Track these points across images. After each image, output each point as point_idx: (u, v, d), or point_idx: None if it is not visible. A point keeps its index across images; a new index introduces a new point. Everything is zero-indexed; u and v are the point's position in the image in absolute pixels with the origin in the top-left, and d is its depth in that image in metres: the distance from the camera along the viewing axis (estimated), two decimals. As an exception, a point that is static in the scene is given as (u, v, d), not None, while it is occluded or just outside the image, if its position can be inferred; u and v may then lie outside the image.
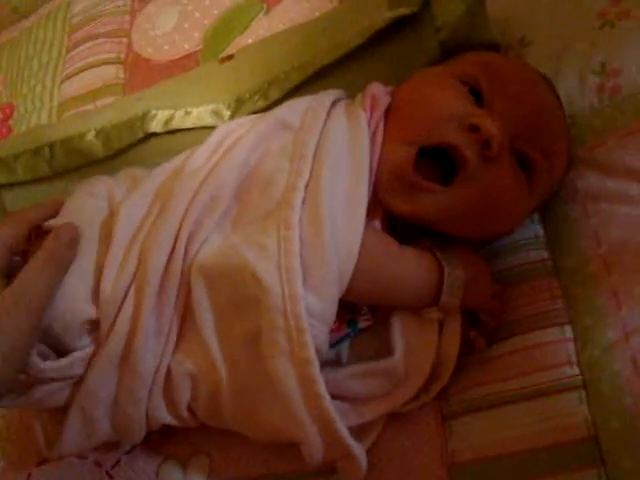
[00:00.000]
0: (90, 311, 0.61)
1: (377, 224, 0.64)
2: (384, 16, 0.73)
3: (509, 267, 0.67)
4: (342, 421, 0.59)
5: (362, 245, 0.59)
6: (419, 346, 0.64)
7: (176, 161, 0.72)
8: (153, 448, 0.72)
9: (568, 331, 0.62)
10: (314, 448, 0.59)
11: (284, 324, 0.57)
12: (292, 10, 0.92)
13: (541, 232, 0.68)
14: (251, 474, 0.69)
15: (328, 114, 0.66)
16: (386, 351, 0.65)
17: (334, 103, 0.68)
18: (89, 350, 0.62)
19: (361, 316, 0.66)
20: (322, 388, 0.57)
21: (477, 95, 0.63)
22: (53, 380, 0.61)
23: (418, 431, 0.65)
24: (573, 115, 0.70)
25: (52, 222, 0.67)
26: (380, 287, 0.62)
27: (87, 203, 0.70)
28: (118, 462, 0.72)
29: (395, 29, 0.73)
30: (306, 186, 0.61)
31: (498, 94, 0.62)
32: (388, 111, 0.66)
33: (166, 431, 0.70)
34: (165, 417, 0.65)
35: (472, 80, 0.64)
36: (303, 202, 0.60)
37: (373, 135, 0.64)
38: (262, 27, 0.93)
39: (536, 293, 0.65)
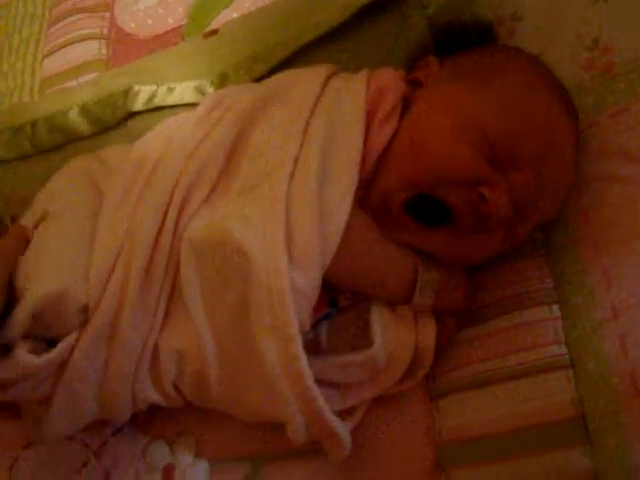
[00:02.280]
0: (83, 293, 0.60)
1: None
2: None
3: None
4: (324, 399, 0.58)
5: (346, 228, 0.58)
6: (399, 334, 0.63)
7: (164, 130, 0.71)
8: (140, 428, 0.72)
9: (556, 310, 0.62)
10: (297, 427, 0.59)
11: (268, 299, 0.56)
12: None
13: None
14: (238, 453, 0.69)
15: (323, 88, 0.65)
16: (364, 337, 0.64)
17: (330, 77, 0.67)
18: (78, 332, 0.61)
19: (342, 295, 0.66)
20: (304, 365, 0.57)
21: (493, 150, 0.59)
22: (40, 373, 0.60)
23: (405, 410, 0.65)
24: (564, 91, 0.68)
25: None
26: (357, 274, 0.62)
27: (71, 183, 0.70)
28: (105, 443, 0.72)
29: (382, 5, 0.72)
30: (295, 160, 0.60)
31: (516, 164, 0.59)
32: (401, 145, 0.62)
33: (153, 412, 0.70)
34: (152, 395, 0.64)
35: (491, 139, 0.59)
36: (292, 176, 0.59)
37: (382, 125, 0.62)
38: (247, 1, 0.91)
39: (525, 271, 0.65)
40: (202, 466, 0.69)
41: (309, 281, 0.58)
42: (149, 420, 0.72)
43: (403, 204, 0.60)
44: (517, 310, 0.63)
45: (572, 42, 0.70)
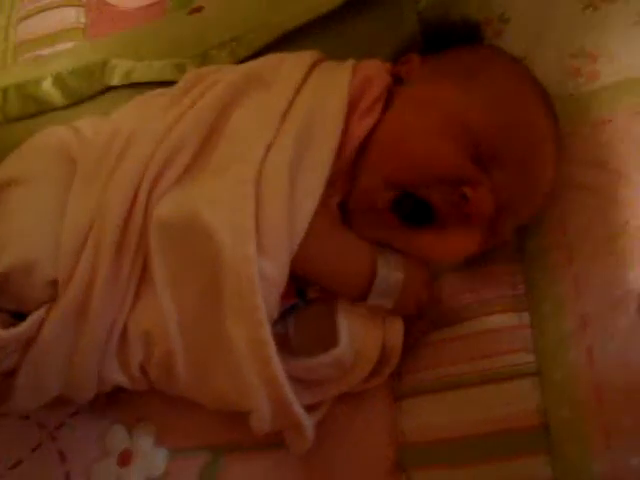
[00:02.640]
0: (51, 266, 0.60)
1: (335, 200, 0.62)
2: None
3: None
4: (291, 388, 0.58)
5: (313, 218, 0.58)
6: (366, 333, 0.63)
7: (140, 105, 0.71)
8: (99, 412, 0.71)
9: (526, 317, 0.62)
10: (262, 415, 0.58)
11: (237, 284, 0.55)
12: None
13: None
14: (198, 442, 0.68)
15: (306, 75, 0.64)
16: (331, 335, 0.63)
17: (315, 65, 0.66)
18: (47, 308, 0.60)
19: (311, 287, 0.65)
20: (272, 350, 0.56)
21: (477, 150, 0.59)
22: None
23: (369, 409, 0.65)
24: (549, 99, 0.68)
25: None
26: (319, 265, 0.61)
27: (43, 150, 0.68)
28: (62, 424, 0.71)
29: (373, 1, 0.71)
30: (269, 146, 0.59)
31: (499, 163, 0.59)
32: (383, 141, 0.61)
33: (113, 395, 0.69)
34: (117, 376, 0.64)
35: (475, 136, 0.58)
36: (264, 161, 0.58)
37: (362, 116, 0.61)
38: (234, -23, 0.88)
39: (498, 276, 0.65)
40: (160, 453, 0.68)
41: (277, 268, 0.57)
42: (109, 404, 0.70)
43: (390, 203, 0.59)
44: (487, 315, 0.63)
45: (558, 47, 0.70)
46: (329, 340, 0.63)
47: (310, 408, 0.62)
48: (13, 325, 0.59)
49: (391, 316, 0.63)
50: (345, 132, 0.60)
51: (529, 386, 0.59)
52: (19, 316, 0.60)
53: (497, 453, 0.58)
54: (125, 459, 0.68)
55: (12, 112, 0.81)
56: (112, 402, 0.70)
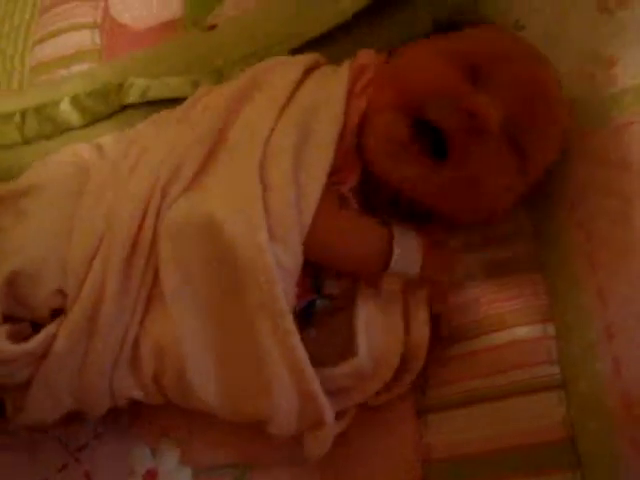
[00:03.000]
0: (58, 276, 0.61)
1: (346, 187, 0.63)
2: None
3: (493, 260, 0.66)
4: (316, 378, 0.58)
5: (320, 202, 0.59)
6: (386, 340, 0.62)
7: (155, 120, 0.73)
8: (122, 432, 0.71)
9: (550, 329, 0.61)
10: (282, 418, 0.58)
11: (254, 277, 0.56)
12: (278, -21, 0.88)
13: (527, 225, 0.67)
14: (223, 460, 0.68)
15: (306, 73, 0.66)
16: (350, 344, 0.63)
17: (313, 67, 0.68)
18: (58, 323, 0.61)
19: (327, 281, 0.64)
20: (296, 339, 0.56)
21: (474, 71, 0.61)
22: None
23: (393, 423, 0.65)
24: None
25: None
26: (331, 246, 0.61)
27: (62, 165, 0.70)
28: (86, 445, 0.71)
29: (389, 3, 0.72)
30: (270, 133, 0.61)
31: (496, 74, 0.60)
32: (381, 80, 0.64)
33: (136, 415, 0.69)
34: (131, 389, 0.64)
35: (471, 56, 0.61)
36: (267, 148, 0.60)
37: (357, 98, 0.63)
38: (245, -4, 0.89)
39: (520, 288, 0.64)
40: (185, 472, 0.68)
41: (291, 255, 0.57)
42: (132, 424, 0.70)
43: (410, 128, 0.59)
44: (511, 327, 0.62)
45: (576, 54, 0.69)
46: (348, 349, 0.62)
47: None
48: (25, 340, 0.60)
49: (416, 321, 0.63)
50: (347, 110, 0.62)
51: (555, 399, 0.59)
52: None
53: (524, 468, 0.57)
54: (150, 479, 0.68)
55: (30, 133, 0.83)
56: (135, 422, 0.70)
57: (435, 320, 0.64)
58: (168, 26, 0.92)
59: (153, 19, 0.94)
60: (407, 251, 0.61)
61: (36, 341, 0.60)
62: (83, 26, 0.98)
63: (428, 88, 0.59)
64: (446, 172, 0.59)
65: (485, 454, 0.59)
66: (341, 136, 0.61)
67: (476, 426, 0.60)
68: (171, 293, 0.60)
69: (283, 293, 0.56)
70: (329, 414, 0.59)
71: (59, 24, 1.00)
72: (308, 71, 0.67)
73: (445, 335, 0.64)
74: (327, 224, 0.60)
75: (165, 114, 0.74)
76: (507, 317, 0.63)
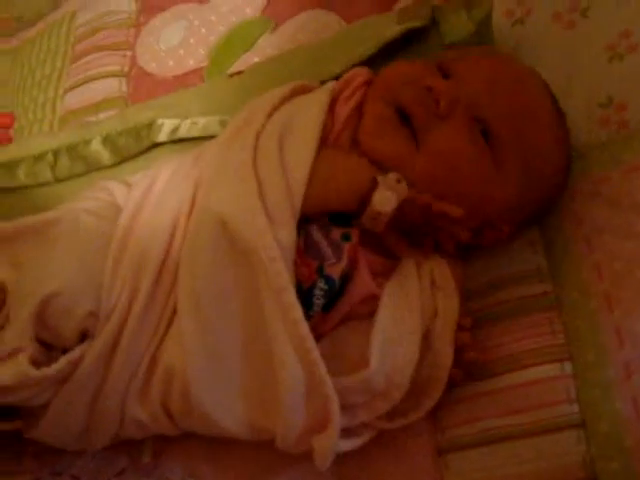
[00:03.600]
0: (92, 303, 0.62)
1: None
2: (393, 29, 0.75)
3: (510, 299, 0.67)
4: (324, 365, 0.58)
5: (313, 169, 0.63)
6: (397, 357, 0.61)
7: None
8: (144, 472, 0.70)
9: (568, 367, 0.61)
10: (294, 404, 0.58)
11: (258, 257, 0.58)
12: (299, 28, 0.91)
13: (544, 264, 0.68)
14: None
15: (293, 92, 0.71)
16: (362, 356, 0.62)
17: (300, 89, 0.72)
18: (83, 348, 0.62)
19: (326, 262, 0.63)
20: (299, 313, 0.58)
21: (447, 72, 0.67)
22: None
23: (413, 463, 0.64)
24: (579, 148, 0.69)
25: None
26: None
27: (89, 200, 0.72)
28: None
29: (404, 44, 0.75)
30: (256, 141, 0.65)
31: (463, 68, 0.66)
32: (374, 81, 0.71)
33: (158, 454, 0.70)
34: (139, 413, 0.64)
35: (443, 62, 0.67)
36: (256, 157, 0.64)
37: (343, 105, 0.69)
38: (269, 45, 0.92)
39: (537, 327, 0.64)
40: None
41: (289, 234, 0.60)
42: (153, 464, 0.70)
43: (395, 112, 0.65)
44: (530, 367, 0.62)
45: (586, 98, 0.72)
46: (360, 361, 0.61)
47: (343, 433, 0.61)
48: (46, 364, 0.61)
49: (441, 345, 0.62)
50: (332, 116, 0.68)
51: (574, 438, 0.58)
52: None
53: (545, 507, 0.57)
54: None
55: (62, 173, 0.85)
56: (158, 460, 0.70)
57: (458, 351, 0.63)
58: (194, 74, 0.95)
59: (179, 67, 0.98)
60: (391, 181, 0.62)
61: (59, 366, 0.61)
62: (111, 74, 1.02)
63: (399, 79, 0.67)
64: (421, 156, 0.63)
65: (505, 494, 0.59)
66: (329, 132, 0.67)
67: (496, 466, 0.60)
68: (184, 309, 0.62)
69: (286, 269, 0.59)
70: (335, 408, 0.57)
71: (88, 73, 1.03)
72: (298, 91, 0.72)
73: (469, 359, 0.63)
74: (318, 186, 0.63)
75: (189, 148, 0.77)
76: (524, 356, 0.63)
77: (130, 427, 0.66)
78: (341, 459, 0.62)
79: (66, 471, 0.70)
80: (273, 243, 0.59)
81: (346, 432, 0.61)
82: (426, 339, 0.63)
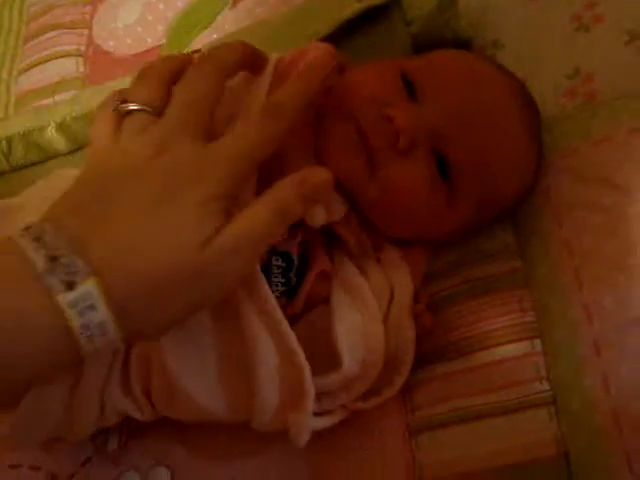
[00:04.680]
0: None
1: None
2: (353, 7, 0.72)
3: (478, 277, 0.66)
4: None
5: None
6: (367, 340, 0.60)
7: None
8: (111, 459, 0.70)
9: (538, 345, 0.61)
10: (268, 385, 0.57)
11: None
12: (258, 4, 0.89)
13: (512, 241, 0.67)
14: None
15: None
16: (333, 355, 0.61)
17: None
18: None
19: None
20: (265, 287, 0.55)
21: (413, 90, 0.61)
22: None
23: (384, 444, 0.63)
24: (546, 120, 0.68)
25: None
26: None
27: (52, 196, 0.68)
28: (74, 474, 0.70)
29: (365, 21, 0.73)
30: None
31: (430, 91, 0.60)
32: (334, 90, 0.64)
33: (125, 443, 0.69)
34: (120, 400, 0.62)
35: (410, 73, 0.61)
36: None
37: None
38: (227, 22, 0.90)
39: (506, 305, 0.63)
40: (176, 499, 0.66)
41: None
42: (121, 451, 0.69)
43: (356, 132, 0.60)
44: (498, 345, 0.61)
45: (553, 71, 0.70)
46: (331, 360, 0.60)
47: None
48: None
49: (402, 322, 0.62)
50: None
51: (546, 415, 0.58)
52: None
53: (517, 486, 0.57)
54: (140, 506, 0.66)
55: (17, 161, 0.84)
56: (124, 449, 0.69)
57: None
58: (152, 52, 0.93)
59: (137, 46, 0.95)
60: None
61: None
62: (68, 54, 0.99)
63: (359, 96, 0.60)
64: (375, 185, 0.59)
65: (477, 473, 0.58)
66: None
67: (467, 445, 0.60)
68: None
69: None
70: (307, 374, 0.56)
71: (43, 52, 1.00)
72: None
73: (429, 326, 0.63)
74: None
75: None
76: (494, 334, 0.62)
77: (112, 417, 0.64)
78: (310, 441, 0.61)
79: (24, 462, 0.69)
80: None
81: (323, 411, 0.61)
82: (386, 317, 0.62)
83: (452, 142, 0.59)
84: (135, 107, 0.52)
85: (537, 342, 0.61)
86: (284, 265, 0.61)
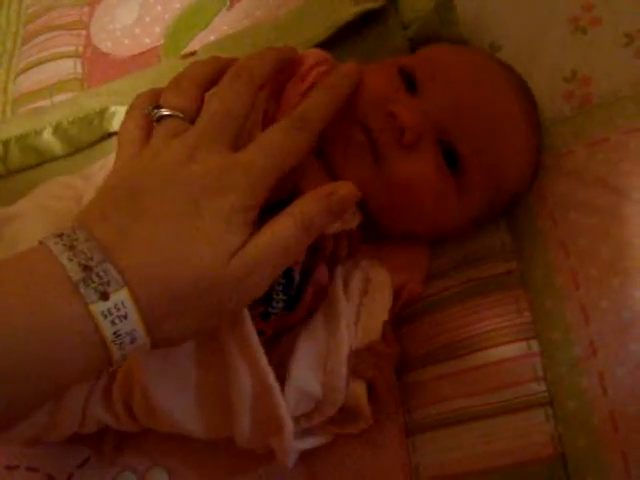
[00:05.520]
0: None
1: None
2: (350, 11, 0.72)
3: (475, 278, 0.66)
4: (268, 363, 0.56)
5: None
6: (327, 364, 0.60)
7: None
8: (108, 460, 0.70)
9: (535, 346, 0.61)
10: (244, 415, 0.57)
11: None
12: (256, 6, 0.89)
13: (508, 241, 0.67)
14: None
15: None
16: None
17: None
18: None
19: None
20: (249, 323, 0.55)
21: (413, 84, 0.61)
22: None
23: (379, 446, 0.63)
24: (543, 122, 0.68)
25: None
26: None
27: (50, 204, 0.69)
28: (71, 475, 0.69)
29: (362, 25, 0.72)
30: None
31: (431, 83, 0.60)
32: None
33: (121, 444, 0.69)
34: (101, 415, 0.63)
35: (409, 68, 0.61)
36: None
37: (295, 82, 0.61)
38: (225, 23, 0.90)
39: (502, 306, 0.63)
40: (173, 500, 0.66)
41: None
42: (118, 452, 0.69)
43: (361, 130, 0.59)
44: (495, 346, 0.61)
45: (551, 73, 0.70)
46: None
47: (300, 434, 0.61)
48: None
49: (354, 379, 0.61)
50: (281, 97, 0.61)
51: (542, 416, 0.58)
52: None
53: (514, 487, 0.57)
54: (137, 507, 0.66)
55: (13, 164, 0.83)
56: (121, 450, 0.69)
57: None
58: (150, 54, 0.93)
59: (135, 47, 0.95)
60: None
61: None
62: (65, 55, 0.99)
63: (360, 96, 0.60)
64: (383, 183, 0.59)
65: (474, 473, 0.58)
66: (277, 115, 0.61)
67: (464, 445, 0.60)
68: None
69: None
70: (283, 411, 0.56)
71: (41, 54, 1.00)
72: None
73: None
74: None
75: None
76: (491, 335, 0.62)
77: (91, 426, 0.65)
78: None
79: (22, 463, 0.69)
80: None
81: (304, 432, 0.61)
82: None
83: (456, 132, 0.59)
84: (168, 113, 0.52)
85: (534, 343, 0.61)
86: (284, 282, 0.60)
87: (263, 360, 0.56)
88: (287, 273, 0.60)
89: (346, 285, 0.64)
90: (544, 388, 0.59)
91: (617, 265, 0.61)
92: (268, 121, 0.61)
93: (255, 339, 0.56)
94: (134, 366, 0.60)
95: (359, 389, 0.61)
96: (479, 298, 0.64)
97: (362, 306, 0.63)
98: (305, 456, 0.63)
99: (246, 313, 0.55)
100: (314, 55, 0.64)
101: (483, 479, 0.58)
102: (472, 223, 0.65)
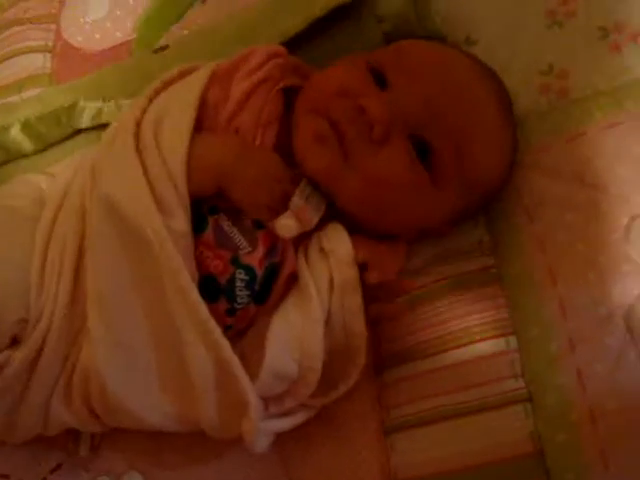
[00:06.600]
0: (21, 310, 0.60)
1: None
2: (322, 4, 0.71)
3: (452, 274, 0.65)
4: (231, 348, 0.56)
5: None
6: (303, 344, 0.60)
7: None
8: (82, 465, 0.69)
9: (513, 342, 0.60)
10: (209, 402, 0.57)
11: (148, 242, 0.56)
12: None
13: (486, 238, 0.66)
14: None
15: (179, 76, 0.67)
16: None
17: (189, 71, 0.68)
18: (9, 352, 0.60)
19: (241, 251, 0.61)
20: (195, 295, 0.56)
21: (383, 79, 0.61)
22: None
23: (358, 445, 0.63)
24: (519, 116, 0.68)
25: None
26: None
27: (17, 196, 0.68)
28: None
29: (337, 18, 0.72)
30: (138, 118, 0.63)
31: (401, 77, 0.60)
32: (306, 87, 0.65)
33: (96, 449, 0.68)
34: (64, 415, 0.62)
35: (378, 64, 0.61)
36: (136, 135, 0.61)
37: (239, 80, 0.63)
38: (198, 16, 0.87)
39: (480, 302, 0.63)
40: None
41: (178, 221, 0.57)
42: (93, 456, 0.68)
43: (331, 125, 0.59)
44: (473, 343, 0.61)
45: (527, 67, 0.70)
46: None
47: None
48: None
49: (344, 318, 0.61)
50: (224, 94, 0.62)
51: (521, 412, 0.58)
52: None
53: (493, 484, 0.56)
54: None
55: (-18, 161, 0.80)
56: (95, 454, 0.68)
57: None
58: (122, 48, 0.90)
59: (106, 41, 0.92)
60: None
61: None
62: (35, 49, 0.96)
63: (329, 89, 0.61)
64: (353, 178, 0.59)
65: (453, 472, 0.58)
66: (220, 110, 0.62)
67: (442, 444, 0.59)
68: (91, 299, 0.60)
69: (177, 252, 0.56)
70: (246, 384, 0.56)
71: (10, 48, 0.97)
72: (185, 73, 0.68)
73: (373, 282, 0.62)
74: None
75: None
76: (469, 332, 0.62)
77: (55, 426, 0.64)
78: (284, 443, 0.61)
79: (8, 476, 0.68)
80: (162, 227, 0.56)
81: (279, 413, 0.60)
82: (331, 314, 0.61)
83: (428, 125, 0.59)
84: None
85: (512, 339, 0.61)
86: (247, 278, 0.60)
87: (217, 333, 0.56)
88: (249, 269, 0.60)
89: (307, 257, 0.63)
90: (522, 384, 0.59)
91: (593, 261, 0.61)
92: (216, 114, 0.62)
93: (205, 311, 0.56)
94: (90, 365, 0.60)
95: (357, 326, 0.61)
96: (456, 295, 0.64)
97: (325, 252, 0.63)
98: (283, 458, 0.63)
99: (191, 284, 0.56)
100: (265, 50, 0.65)
101: (461, 478, 0.58)
102: (448, 220, 0.65)
